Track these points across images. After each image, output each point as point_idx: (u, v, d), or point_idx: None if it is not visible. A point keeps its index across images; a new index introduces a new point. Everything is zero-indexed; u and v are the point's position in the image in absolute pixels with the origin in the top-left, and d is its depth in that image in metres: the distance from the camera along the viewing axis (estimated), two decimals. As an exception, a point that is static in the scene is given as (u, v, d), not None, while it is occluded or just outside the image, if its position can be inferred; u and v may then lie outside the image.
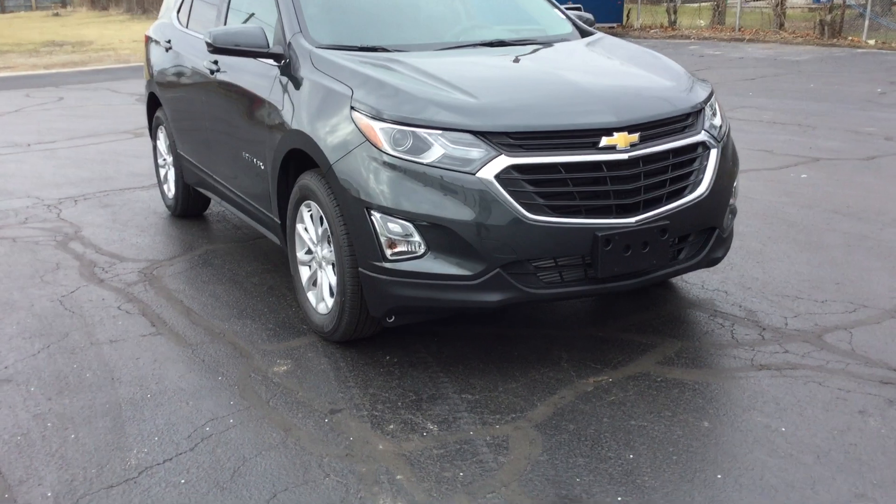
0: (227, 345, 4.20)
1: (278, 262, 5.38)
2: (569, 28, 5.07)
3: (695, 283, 4.79)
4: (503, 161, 3.52)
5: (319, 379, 3.81)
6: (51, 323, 4.53)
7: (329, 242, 4.05)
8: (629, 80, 4.11)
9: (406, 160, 3.59)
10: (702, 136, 3.97)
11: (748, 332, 4.18)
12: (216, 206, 6.65)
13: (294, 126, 4.09)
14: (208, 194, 5.86)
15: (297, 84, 4.20)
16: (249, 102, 4.62)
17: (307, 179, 4.08)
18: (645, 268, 3.76)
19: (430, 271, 3.61)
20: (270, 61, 4.51)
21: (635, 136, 3.69)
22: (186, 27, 6.00)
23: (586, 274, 3.70)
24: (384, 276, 3.67)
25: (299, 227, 4.30)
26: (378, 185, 3.63)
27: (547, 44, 4.72)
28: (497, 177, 3.52)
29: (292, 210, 4.29)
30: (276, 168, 4.34)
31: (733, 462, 3.09)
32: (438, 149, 3.57)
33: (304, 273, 4.35)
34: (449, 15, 5.01)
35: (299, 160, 4.26)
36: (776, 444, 3.19)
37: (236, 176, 5.00)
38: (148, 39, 6.83)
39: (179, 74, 5.79)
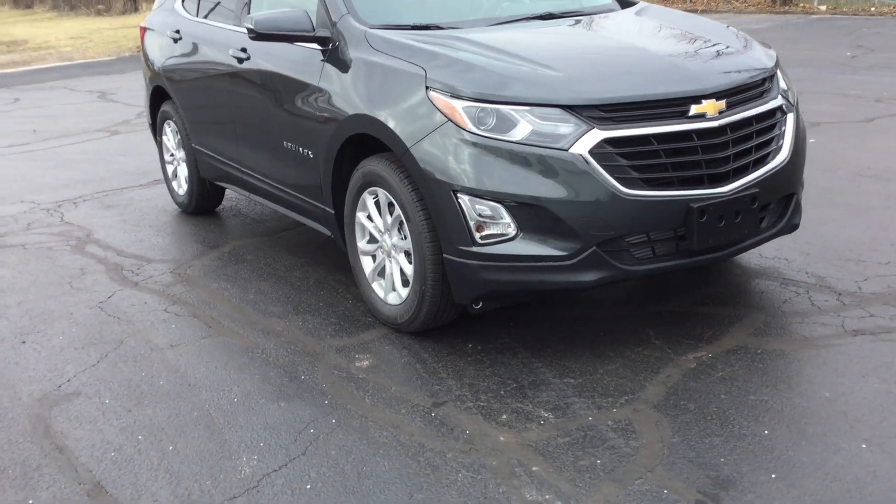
0: (294, 342, 4.04)
1: (317, 255, 5.21)
2: (608, -1, 4.94)
3: (751, 252, 4.71)
4: (596, 135, 3.40)
5: (408, 372, 3.66)
6: (100, 331, 4.30)
7: (400, 230, 3.88)
8: (704, 47, 4.01)
9: (492, 138, 3.44)
10: (779, 101, 3.89)
11: (826, 297, 4.13)
12: (229, 201, 6.41)
13: (356, 111, 3.91)
14: (232, 188, 5.63)
15: (353, 67, 4.02)
16: (292, 89, 4.42)
17: (373, 165, 3.90)
18: (736, 238, 3.67)
19: (524, 253, 3.47)
20: (315, 45, 4.31)
21: (722, 103, 3.59)
22: (197, 16, 5.73)
23: (678, 247, 3.60)
24: (474, 262, 3.53)
25: (360, 215, 4.13)
26: (464, 166, 3.48)
27: (598, 14, 4.58)
28: (591, 151, 3.39)
29: (352, 198, 4.11)
30: (332, 156, 4.16)
31: (872, 431, 3.02)
32: (526, 125, 3.43)
33: (368, 264, 4.18)
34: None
35: (357, 146, 4.08)
36: (905, 410, 3.12)
37: (275, 167, 4.79)
38: (144, 31, 6.54)
39: (195, 65, 5.54)
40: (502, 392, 3.44)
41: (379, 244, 4.08)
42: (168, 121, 6.27)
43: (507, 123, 3.46)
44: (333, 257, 5.11)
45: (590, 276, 3.49)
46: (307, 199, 4.57)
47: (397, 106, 3.72)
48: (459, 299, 3.69)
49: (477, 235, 3.50)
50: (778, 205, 3.93)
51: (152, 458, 3.15)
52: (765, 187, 3.72)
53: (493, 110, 3.48)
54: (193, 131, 5.79)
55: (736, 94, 3.69)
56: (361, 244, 4.19)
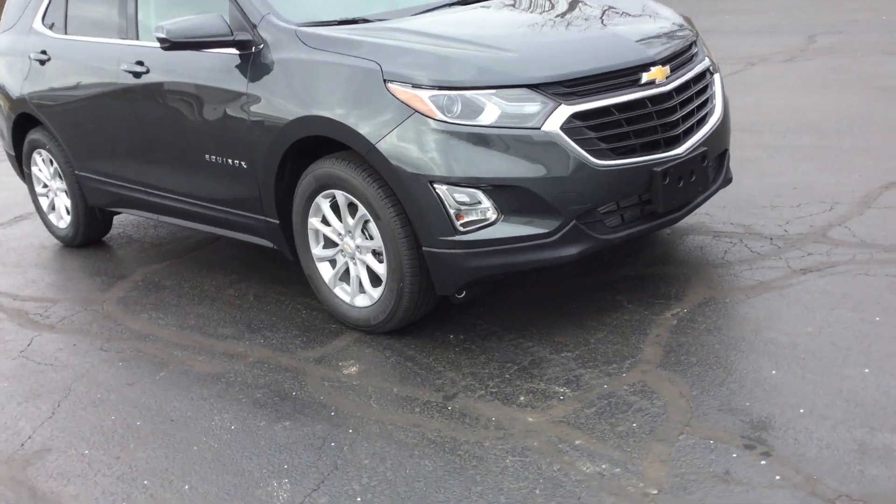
0: (265, 361, 3.90)
1: (241, 270, 5.04)
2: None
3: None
4: (565, 111, 3.45)
5: (402, 371, 3.60)
6: (37, 380, 4.00)
7: (364, 230, 3.80)
8: (633, 17, 4.14)
9: (463, 124, 3.43)
10: (707, 62, 4.07)
11: (760, 244, 4.37)
12: (115, 228, 6.07)
13: (302, 113, 3.79)
14: (132, 213, 5.34)
15: (290, 68, 3.89)
16: (212, 100, 4.24)
17: (327, 167, 3.81)
18: (692, 196, 3.83)
19: (507, 235, 3.49)
20: (232, 50, 4.13)
21: (667, 69, 3.72)
22: (66, 34, 5.38)
23: (642, 212, 3.72)
24: (458, 250, 3.51)
25: (313, 221, 4.02)
26: (438, 155, 3.45)
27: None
28: (562, 127, 3.44)
29: (303, 204, 4.00)
30: (274, 163, 4.03)
31: (867, 356, 3.23)
32: (493, 108, 3.44)
33: (326, 270, 4.08)
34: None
35: (300, 150, 3.96)
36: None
37: (195, 183, 4.58)
38: (-3, 56, 6.05)
39: (75, 86, 5.20)
40: (507, 375, 3.44)
41: (339, 248, 3.97)
42: (38, 150, 5.85)
43: (474, 108, 3.45)
44: (261, 270, 4.97)
45: (573, 250, 3.55)
46: (241, 213, 4.39)
47: (353, 103, 3.63)
48: (442, 291, 3.66)
49: (458, 223, 3.48)
50: (716, 161, 4.11)
51: (170, 501, 2.94)
52: (709, 145, 3.89)
53: (458, 97, 3.46)
54: (77, 157, 5.43)
55: (675, 59, 3.83)
56: (317, 251, 4.07)
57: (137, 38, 4.78)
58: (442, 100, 3.45)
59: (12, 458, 3.37)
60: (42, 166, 5.90)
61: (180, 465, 3.16)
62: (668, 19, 4.16)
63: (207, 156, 4.39)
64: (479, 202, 3.45)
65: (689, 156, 3.72)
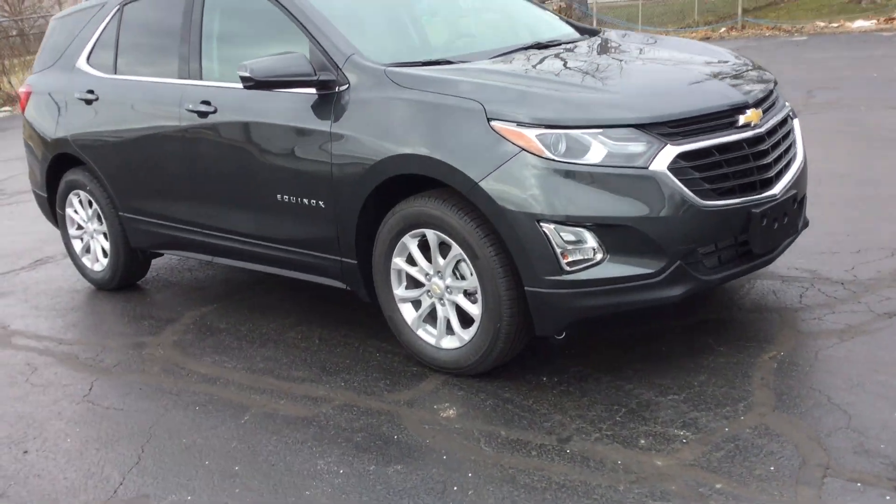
0: (352, 405, 3.81)
1: (298, 313, 4.95)
2: (568, 28, 5.05)
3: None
4: (671, 151, 3.45)
5: (504, 414, 3.53)
6: (111, 426, 3.88)
7: (455, 271, 3.75)
8: (717, 62, 4.17)
9: (572, 163, 3.41)
10: (788, 107, 4.11)
11: (833, 288, 4.38)
12: (150, 272, 5.93)
13: (394, 152, 3.75)
14: (182, 254, 5.24)
15: (381, 107, 3.85)
16: (289, 139, 4.19)
17: (419, 206, 3.76)
18: (782, 239, 3.83)
19: (614, 275, 3.46)
20: (309, 90, 4.09)
21: (760, 112, 3.75)
22: (115, 73, 5.30)
23: (737, 253, 3.71)
24: (563, 290, 3.47)
25: (398, 261, 3.96)
26: (546, 193, 3.42)
27: (583, 41, 4.67)
28: (669, 167, 3.43)
29: (387, 244, 3.93)
30: (359, 202, 3.97)
31: None
32: (599, 147, 3.42)
33: (409, 311, 4.01)
34: (460, 26, 4.83)
35: (385, 190, 3.91)
36: None
37: (262, 223, 4.50)
38: (30, 96, 5.96)
39: (126, 126, 5.12)
40: (618, 418, 3.38)
41: (425, 288, 3.90)
42: (76, 191, 5.72)
43: (581, 147, 3.43)
44: (319, 312, 4.89)
45: (677, 291, 3.52)
46: (313, 253, 4.31)
47: (453, 141, 3.59)
48: (543, 331, 3.60)
49: (563, 263, 3.43)
50: (799, 205, 4.13)
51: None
52: (797, 188, 3.90)
53: (565, 135, 3.45)
54: (123, 198, 5.32)
55: (764, 103, 3.86)
56: (399, 291, 4.00)
57: (201, 79, 4.70)
58: (549, 138, 3.43)
59: (107, 506, 3.21)
60: (79, 208, 5.77)
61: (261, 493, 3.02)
62: (749, 65, 4.20)
63: (279, 195, 4.31)
64: (585, 241, 3.42)
65: (783, 198, 3.73)
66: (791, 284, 4.48)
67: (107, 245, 5.67)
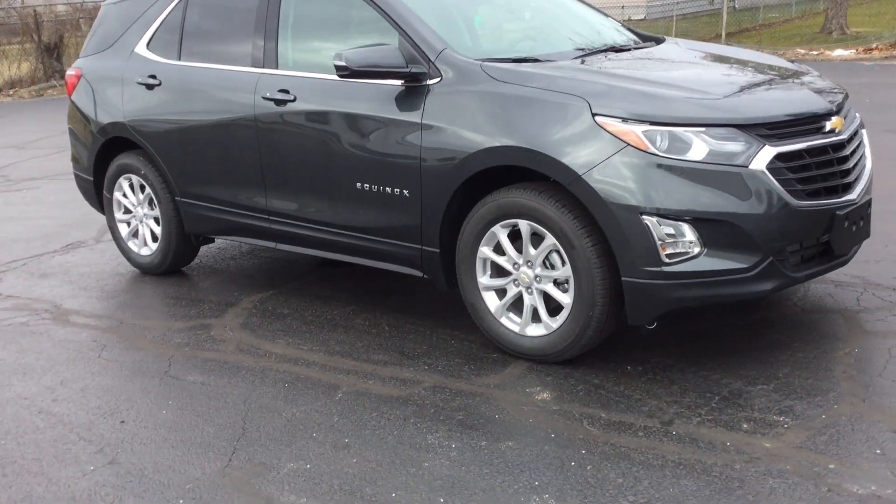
0: (443, 387, 3.90)
1: (359, 300, 5.06)
2: (630, 33, 5.23)
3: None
4: (769, 151, 3.62)
5: (599, 398, 3.67)
6: (204, 401, 3.91)
7: (546, 261, 3.88)
8: (803, 74, 4.37)
9: (676, 159, 3.57)
10: (859, 117, 4.32)
11: (887, 294, 4.59)
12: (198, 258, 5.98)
13: (492, 143, 3.88)
14: (240, 240, 5.31)
15: (477, 100, 3.98)
16: (375, 129, 4.31)
17: (514, 197, 3.89)
18: (856, 241, 4.03)
19: (711, 268, 3.61)
20: (394, 82, 4.22)
21: (842, 119, 3.94)
22: (180, 59, 5.37)
23: (818, 253, 3.89)
24: (662, 281, 3.62)
25: (485, 249, 4.08)
26: (650, 188, 3.57)
27: (656, 47, 4.85)
28: (768, 167, 3.60)
29: (475, 233, 4.06)
30: (448, 192, 4.10)
31: None
32: (701, 145, 3.59)
33: (492, 299, 4.13)
34: (539, 26, 4.98)
35: (474, 181, 4.04)
36: None
37: (339, 211, 4.59)
38: (79, 80, 5.99)
39: (195, 111, 5.19)
40: (713, 405, 3.53)
41: (512, 277, 4.03)
42: (127, 175, 5.76)
43: (683, 145, 3.59)
44: (379, 300, 5.03)
45: (767, 286, 3.68)
46: (391, 241, 4.41)
47: (556, 135, 3.73)
48: (636, 320, 3.75)
49: (663, 255, 3.58)
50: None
51: None
52: (870, 193, 4.10)
53: (669, 132, 3.61)
54: (182, 183, 5.37)
55: (842, 111, 4.06)
56: (483, 280, 4.12)
57: (277, 68, 4.79)
58: (654, 135, 3.58)
59: (228, 473, 3.28)
60: (128, 192, 5.81)
61: (420, 482, 3.13)
62: (818, 75, 4.41)
63: (359, 184, 4.42)
64: (684, 235, 3.57)
65: (861, 202, 3.92)
66: (845, 289, 4.68)
67: (157, 229, 5.70)
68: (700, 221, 3.56)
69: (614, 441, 3.29)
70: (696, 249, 3.58)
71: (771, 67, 4.41)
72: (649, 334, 4.11)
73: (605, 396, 3.65)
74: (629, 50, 4.67)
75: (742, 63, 4.49)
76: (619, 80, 3.88)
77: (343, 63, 4.12)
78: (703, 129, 3.60)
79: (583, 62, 4.25)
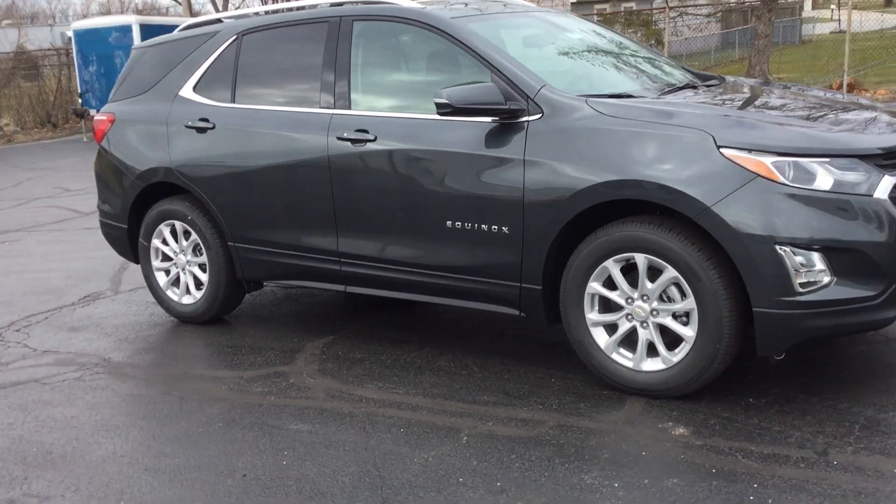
0: (572, 426, 3.84)
1: (431, 341, 4.97)
2: (688, 73, 5.32)
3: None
4: (889, 180, 3.69)
5: (738, 431, 3.64)
6: (322, 452, 3.75)
7: (663, 294, 3.87)
8: (870, 104, 4.49)
9: (805, 189, 3.61)
10: None
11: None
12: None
13: (607, 178, 3.87)
14: (303, 285, 5.17)
15: (586, 135, 3.98)
16: (469, 167, 4.27)
17: (630, 230, 3.88)
18: None
19: (841, 297, 3.64)
20: (484, 119, 4.20)
21: None
22: (233, 102, 5.25)
23: None
24: (795, 311, 3.63)
25: (594, 285, 4.05)
26: (782, 218, 3.60)
27: (727, 84, 4.94)
28: (889, 195, 3.67)
29: (585, 268, 4.03)
30: (555, 228, 4.07)
31: None
32: (826, 175, 3.64)
33: (602, 335, 4.09)
34: (609, 65, 5.03)
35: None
36: None
37: (424, 251, 4.51)
38: (114, 123, 5.83)
39: (255, 154, 5.06)
40: (857, 433, 3.54)
41: (624, 312, 4.00)
42: (169, 221, 5.58)
43: (807, 175, 3.63)
44: (449, 341, 4.98)
45: (892, 313, 3.73)
46: (486, 280, 4.35)
47: (681, 167, 3.74)
48: (766, 351, 3.74)
49: (796, 284, 3.60)
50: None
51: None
52: None
53: (794, 163, 3.65)
54: (237, 228, 5.23)
55: None
56: (592, 316, 4.08)
57: (350, 108, 4.72)
58: (783, 165, 3.62)
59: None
60: (169, 238, 5.62)
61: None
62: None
63: (449, 222, 4.35)
64: (814, 264, 3.60)
65: None
66: None
67: (202, 276, 5.51)
68: (830, 250, 3.58)
69: (780, 474, 3.25)
70: (826, 279, 3.60)
71: (852, 101, 4.50)
72: (751, 367, 4.10)
73: (743, 429, 3.61)
74: (707, 87, 4.72)
75: (827, 98, 4.57)
76: (734, 113, 3.91)
77: (445, 100, 4.07)
78: (827, 159, 3.64)
79: (678, 98, 4.27)
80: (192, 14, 30.92)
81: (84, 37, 21.02)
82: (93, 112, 20.47)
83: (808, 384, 4.00)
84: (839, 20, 38.84)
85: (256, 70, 5.21)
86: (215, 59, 5.37)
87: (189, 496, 3.42)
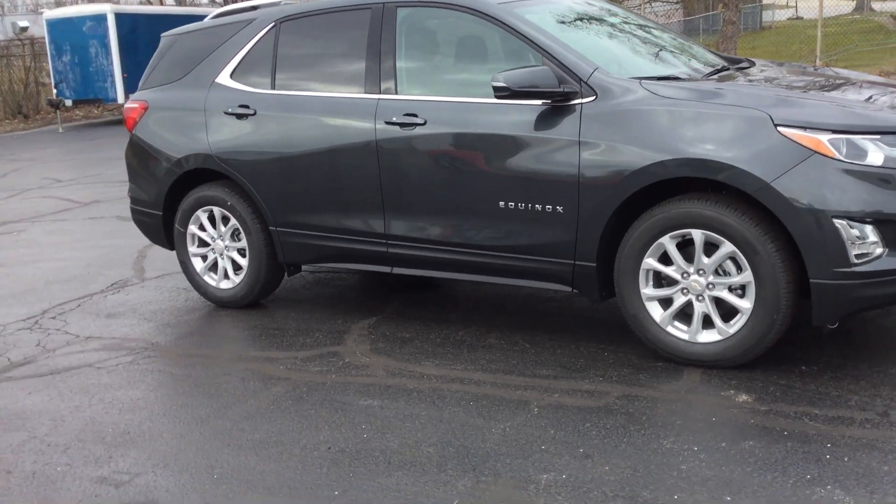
0: (636, 396, 3.99)
1: (474, 319, 5.10)
2: (717, 57, 5.50)
3: None
4: None
5: (802, 397, 3.79)
6: (398, 432, 3.88)
7: (719, 269, 4.05)
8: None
9: (859, 164, 3.79)
10: None
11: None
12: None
13: (665, 157, 4.02)
14: (348, 267, 5.28)
15: (644, 116, 4.13)
16: (523, 148, 4.41)
17: (688, 207, 4.04)
18: None
19: (891, 268, 3.84)
20: (534, 101, 4.34)
21: None
22: (273, 89, 5.34)
23: None
24: (850, 281, 3.81)
25: (649, 261, 4.21)
26: (838, 192, 3.78)
27: (763, 67, 5.13)
28: None
29: (640, 245, 4.19)
30: (611, 207, 4.22)
31: None
32: (877, 151, 3.82)
33: (656, 309, 4.26)
34: (645, 48, 5.17)
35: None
36: None
37: (475, 231, 4.64)
38: (145, 112, 5.87)
39: (298, 139, 5.16)
40: (918, 398, 3.72)
41: (680, 286, 4.16)
42: (207, 207, 5.66)
43: (861, 151, 3.82)
44: (494, 318, 5.12)
45: (938, 284, 3.93)
46: (538, 258, 4.49)
47: (739, 146, 3.90)
48: (821, 321, 3.93)
49: (852, 255, 3.80)
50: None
51: None
52: None
53: (847, 140, 3.83)
54: (280, 212, 5.32)
55: None
56: (647, 290, 4.25)
57: (396, 93, 4.83)
58: (838, 142, 3.80)
59: (484, 489, 3.28)
60: (207, 224, 5.69)
61: (691, 483, 3.20)
62: None
63: (502, 203, 4.49)
64: (867, 236, 3.79)
65: None
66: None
67: (241, 261, 5.59)
68: (882, 223, 3.77)
69: (849, 434, 3.43)
70: (879, 250, 3.79)
71: (884, 82, 4.70)
72: (796, 338, 4.31)
73: (803, 395, 3.79)
74: (741, 70, 4.90)
75: (857, 78, 4.77)
76: (786, 93, 4.08)
77: (502, 83, 4.20)
78: (877, 136, 3.82)
79: (723, 80, 4.43)
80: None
81: (57, 26, 20.81)
82: (68, 102, 20.29)
83: (852, 352, 4.19)
84: (796, 7, 39.54)
85: (296, 56, 5.29)
86: (253, 46, 5.44)
87: (281, 469, 3.52)
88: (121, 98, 20.47)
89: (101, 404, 4.29)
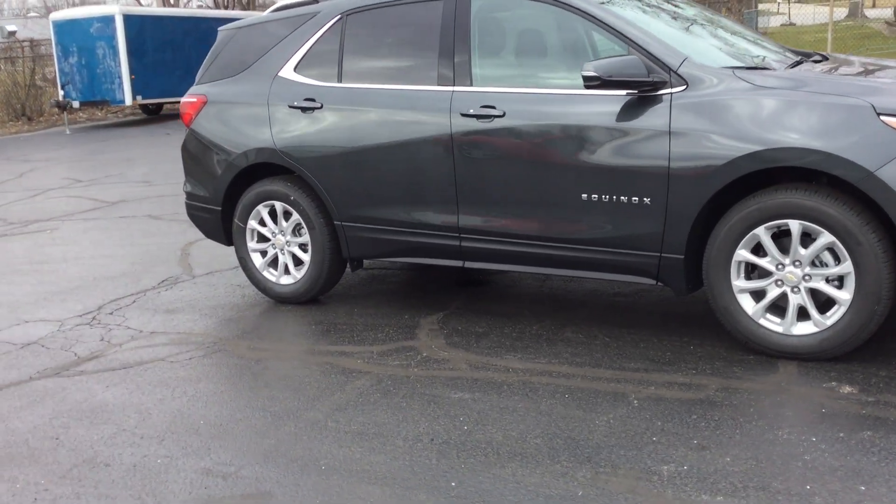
0: (734, 389, 3.95)
1: (544, 312, 5.07)
2: (782, 49, 5.46)
3: None
4: None
5: (900, 388, 3.76)
6: (490, 424, 3.83)
7: (818, 259, 4.01)
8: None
9: None
10: None
11: None
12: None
13: (767, 146, 3.98)
14: (415, 261, 5.23)
15: (739, 106, 4.08)
16: (609, 139, 4.36)
17: (785, 197, 4.00)
18: None
19: None
20: (618, 92, 4.30)
21: None
22: (340, 82, 5.29)
23: None
24: (955, 271, 3.78)
25: (742, 252, 4.17)
26: (944, 180, 3.74)
27: (832, 59, 5.10)
28: None
29: (734, 236, 4.15)
30: (704, 198, 4.17)
31: None
32: None
33: (748, 301, 4.22)
34: (723, 37, 5.13)
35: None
36: None
37: (559, 224, 4.59)
38: (203, 106, 5.82)
39: (368, 133, 5.10)
40: None
41: (774, 278, 4.12)
42: (269, 202, 5.60)
43: (963, 140, 3.79)
44: (563, 312, 5.09)
45: None
46: (622, 251, 4.44)
47: (841, 134, 3.85)
48: (924, 311, 3.89)
49: (952, 245, 3.76)
50: None
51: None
52: None
53: (952, 129, 3.80)
54: (346, 206, 5.26)
55: None
56: (739, 282, 4.21)
57: (471, 85, 4.79)
58: (940, 131, 3.77)
59: (606, 480, 3.23)
60: (268, 219, 5.63)
61: (820, 473, 3.16)
62: None
63: (585, 195, 4.44)
64: (966, 225, 3.75)
65: None
66: None
67: (303, 256, 5.53)
68: (979, 210, 3.73)
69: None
70: (977, 239, 3.75)
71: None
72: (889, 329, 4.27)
73: (899, 387, 3.75)
74: (818, 61, 4.87)
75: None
76: (882, 83, 4.04)
77: (593, 73, 4.16)
78: (974, 126, 3.79)
79: (815, 71, 4.40)
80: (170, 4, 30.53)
81: (64, 28, 20.71)
82: (75, 104, 20.19)
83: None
84: (788, 13, 39.76)
85: (364, 49, 5.24)
86: (318, 40, 5.39)
87: (389, 460, 3.47)
88: (128, 100, 20.39)
89: (184, 397, 4.22)
